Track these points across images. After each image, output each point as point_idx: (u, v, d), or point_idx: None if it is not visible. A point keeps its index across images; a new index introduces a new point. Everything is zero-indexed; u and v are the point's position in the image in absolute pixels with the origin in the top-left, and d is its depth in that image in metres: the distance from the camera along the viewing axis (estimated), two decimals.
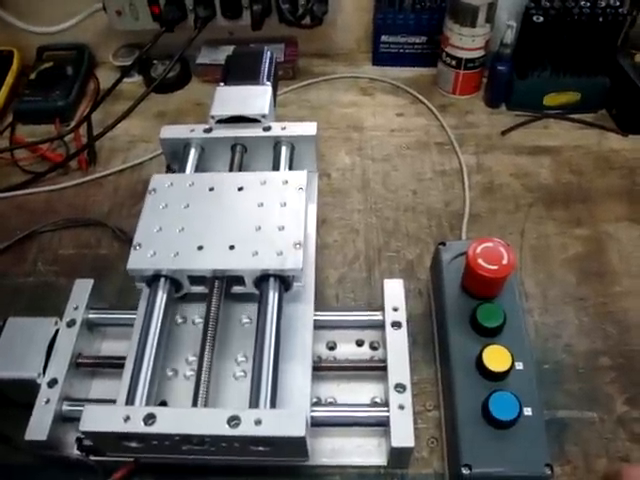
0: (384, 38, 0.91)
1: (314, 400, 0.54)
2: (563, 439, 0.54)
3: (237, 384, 0.51)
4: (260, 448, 0.44)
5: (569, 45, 0.78)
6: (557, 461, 0.52)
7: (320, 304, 0.63)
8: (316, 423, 0.50)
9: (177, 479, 0.53)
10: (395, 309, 0.56)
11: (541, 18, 0.76)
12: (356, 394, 0.55)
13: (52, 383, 0.51)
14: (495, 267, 0.53)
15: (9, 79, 0.91)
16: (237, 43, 0.90)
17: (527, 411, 0.49)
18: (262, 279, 0.51)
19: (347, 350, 0.58)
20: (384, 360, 0.53)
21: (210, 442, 0.44)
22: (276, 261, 0.50)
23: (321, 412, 0.51)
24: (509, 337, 0.53)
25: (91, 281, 0.58)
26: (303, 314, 0.55)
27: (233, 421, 0.42)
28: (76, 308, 0.56)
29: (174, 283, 0.52)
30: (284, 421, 0.43)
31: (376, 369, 0.55)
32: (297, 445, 0.44)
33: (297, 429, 0.42)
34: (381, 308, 0.57)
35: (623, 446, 0.54)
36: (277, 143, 0.62)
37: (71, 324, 0.55)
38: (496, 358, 0.51)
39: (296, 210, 0.54)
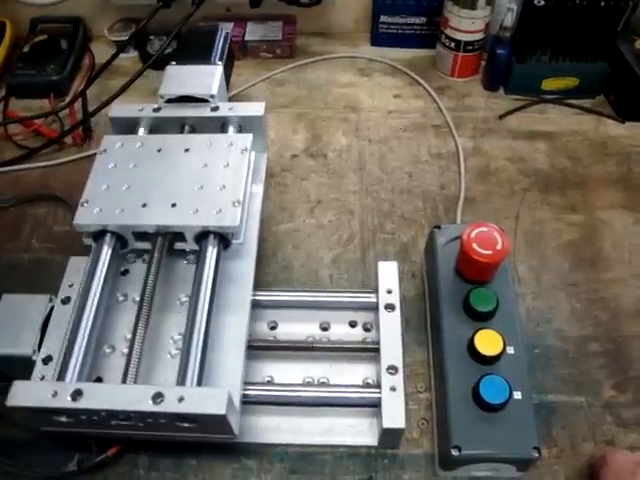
0: (383, 18, 0.90)
1: (307, 380, 0.55)
2: (551, 423, 0.55)
3: (171, 362, 0.52)
4: (185, 424, 0.46)
5: (569, 30, 0.78)
6: (545, 444, 0.53)
7: (314, 284, 0.64)
8: (308, 403, 0.51)
9: (171, 456, 0.54)
10: (389, 291, 0.56)
11: (542, 2, 0.75)
12: (348, 375, 0.56)
13: (47, 360, 0.51)
14: (489, 252, 0.53)
15: (1, 51, 0.89)
16: (235, 20, 0.90)
17: (517, 395, 0.50)
18: (202, 236, 0.54)
19: (340, 331, 0.59)
20: (377, 342, 0.54)
21: (136, 418, 0.45)
22: (215, 218, 0.53)
23: (313, 392, 0.52)
24: (501, 321, 0.54)
25: (85, 258, 0.58)
26: (243, 272, 0.56)
27: (158, 398, 0.43)
28: (71, 285, 0.56)
29: (119, 239, 0.54)
30: (206, 399, 0.44)
31: (369, 350, 0.55)
32: (220, 423, 0.45)
33: (218, 407, 0.43)
34: (375, 290, 0.57)
35: (609, 430, 0.55)
36: (225, 123, 0.63)
37: (66, 301, 0.55)
38: (488, 342, 0.52)
39: (238, 170, 0.56)
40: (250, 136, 0.59)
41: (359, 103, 0.85)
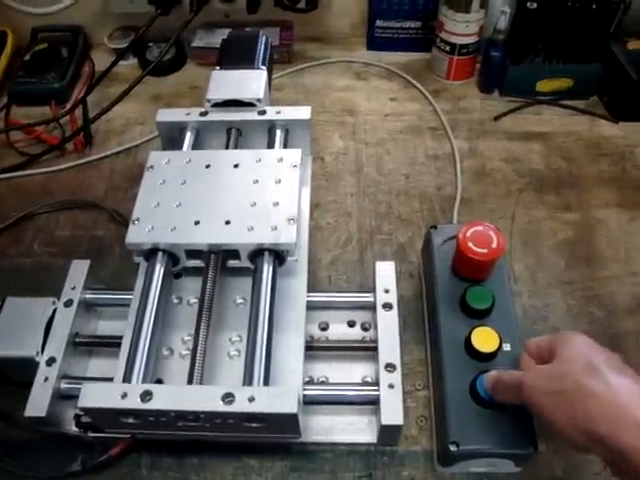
0: (379, 23, 0.91)
1: (306, 379, 0.56)
2: None
3: (231, 363, 0.52)
4: (253, 425, 0.46)
5: (562, 31, 0.79)
6: (541, 439, 0.54)
7: (313, 285, 0.65)
8: (308, 401, 0.52)
9: (173, 455, 0.54)
10: (386, 291, 0.57)
11: (535, 4, 0.77)
12: (347, 373, 0.57)
13: (50, 361, 0.52)
14: (485, 250, 0.54)
15: (3, 60, 0.91)
16: (233, 26, 0.91)
17: None
18: (257, 253, 0.53)
19: (339, 331, 0.60)
20: (375, 340, 0.54)
21: (205, 418, 0.45)
22: (270, 235, 0.52)
23: (313, 391, 0.52)
24: (497, 319, 0.55)
25: (88, 262, 0.59)
26: (296, 289, 0.56)
27: (227, 398, 0.44)
28: (73, 288, 0.57)
29: (171, 257, 0.54)
30: (277, 398, 0.44)
31: (367, 349, 0.56)
32: (289, 422, 0.46)
33: (289, 406, 0.44)
34: (373, 290, 0.58)
35: None
36: (272, 127, 0.63)
37: (68, 304, 0.56)
38: (484, 339, 0.52)
39: (290, 186, 0.55)
40: (300, 151, 0.58)
41: (356, 106, 0.86)
